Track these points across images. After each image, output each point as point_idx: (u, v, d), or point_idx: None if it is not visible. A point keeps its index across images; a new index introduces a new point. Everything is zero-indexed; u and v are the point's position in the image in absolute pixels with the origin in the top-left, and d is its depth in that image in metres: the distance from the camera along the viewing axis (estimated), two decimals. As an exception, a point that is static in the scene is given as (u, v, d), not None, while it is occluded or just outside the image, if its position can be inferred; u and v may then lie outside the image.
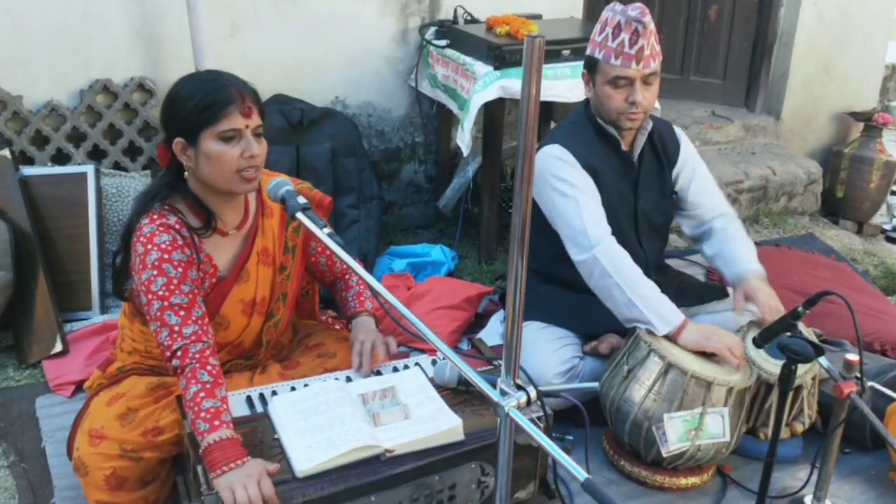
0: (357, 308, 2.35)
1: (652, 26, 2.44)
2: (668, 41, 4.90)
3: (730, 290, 2.75)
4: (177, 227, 2.01)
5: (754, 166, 4.59)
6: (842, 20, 4.75)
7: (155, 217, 2.01)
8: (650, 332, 2.39)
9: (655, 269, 2.76)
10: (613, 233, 2.53)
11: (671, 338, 2.38)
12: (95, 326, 3.06)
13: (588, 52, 2.55)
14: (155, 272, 1.96)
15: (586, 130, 2.62)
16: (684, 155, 2.74)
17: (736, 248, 2.64)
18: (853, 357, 2.16)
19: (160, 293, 1.95)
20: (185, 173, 2.05)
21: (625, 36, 2.42)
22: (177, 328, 1.93)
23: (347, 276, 2.41)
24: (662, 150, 2.71)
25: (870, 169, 4.61)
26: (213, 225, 2.07)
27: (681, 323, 2.38)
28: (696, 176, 2.75)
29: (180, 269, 1.98)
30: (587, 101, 2.64)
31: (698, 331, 2.38)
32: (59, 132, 3.34)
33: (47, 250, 3.12)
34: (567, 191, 2.51)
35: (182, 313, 1.95)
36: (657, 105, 3.50)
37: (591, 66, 2.54)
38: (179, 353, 1.92)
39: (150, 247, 1.97)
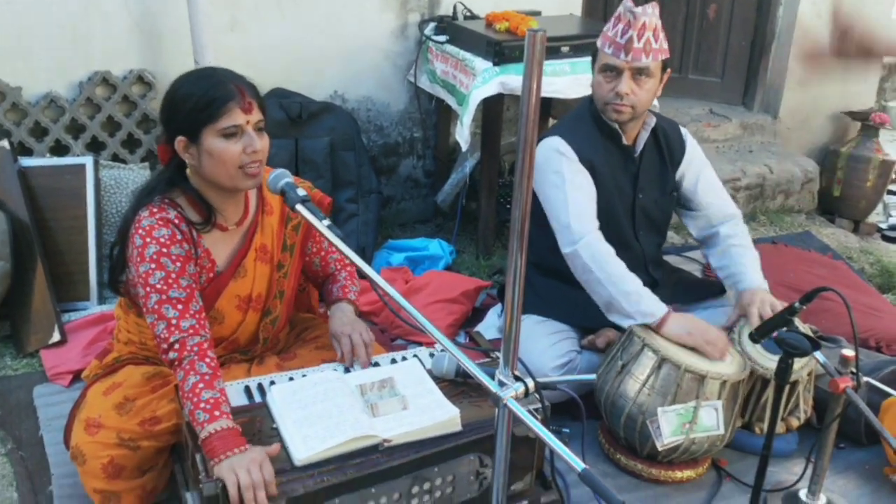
0: (339, 296, 2.35)
1: (646, 21, 2.41)
2: (667, 39, 4.90)
3: (727, 288, 2.77)
4: (176, 221, 2.01)
5: (752, 164, 4.60)
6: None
7: (154, 210, 2.01)
8: (644, 327, 2.40)
9: (653, 264, 2.77)
10: (610, 226, 2.54)
11: (654, 329, 2.40)
12: (93, 317, 3.07)
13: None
14: (153, 265, 1.96)
15: (588, 124, 2.63)
16: (689, 155, 2.74)
17: (740, 265, 2.64)
18: (849, 352, 2.17)
19: (158, 286, 1.95)
20: (188, 170, 2.05)
21: (619, 26, 2.45)
22: (174, 321, 1.94)
23: (336, 272, 2.41)
24: (667, 148, 2.71)
25: (866, 168, 4.62)
26: (213, 220, 2.07)
27: (663, 315, 2.40)
28: (702, 176, 2.75)
29: (178, 264, 1.98)
30: (591, 95, 2.65)
31: (680, 324, 2.40)
32: (57, 124, 3.34)
33: (46, 241, 3.12)
34: (558, 183, 2.53)
35: (180, 307, 1.95)
36: (655, 102, 3.51)
37: (594, 56, 2.56)
38: (177, 345, 1.92)
39: (148, 240, 1.97)
